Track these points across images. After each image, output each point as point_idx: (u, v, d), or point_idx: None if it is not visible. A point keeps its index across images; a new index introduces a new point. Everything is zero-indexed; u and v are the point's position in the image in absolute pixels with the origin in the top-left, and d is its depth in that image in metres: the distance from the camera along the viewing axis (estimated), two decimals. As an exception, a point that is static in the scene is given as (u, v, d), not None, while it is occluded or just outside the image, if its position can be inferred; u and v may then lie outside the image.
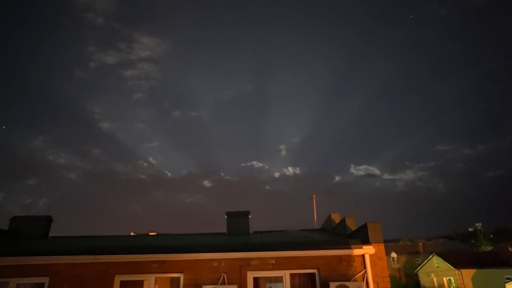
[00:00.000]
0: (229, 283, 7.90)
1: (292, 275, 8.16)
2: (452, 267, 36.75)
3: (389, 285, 7.91)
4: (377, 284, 7.84)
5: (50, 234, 12.36)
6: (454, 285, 36.47)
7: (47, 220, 12.29)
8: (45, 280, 8.09)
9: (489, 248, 58.95)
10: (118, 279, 8.14)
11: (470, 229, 70.44)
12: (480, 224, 70.48)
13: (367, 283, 7.80)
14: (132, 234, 18.88)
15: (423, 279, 44.96)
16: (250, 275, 8.13)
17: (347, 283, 7.51)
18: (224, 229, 12.35)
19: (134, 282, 8.21)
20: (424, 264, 44.93)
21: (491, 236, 66.24)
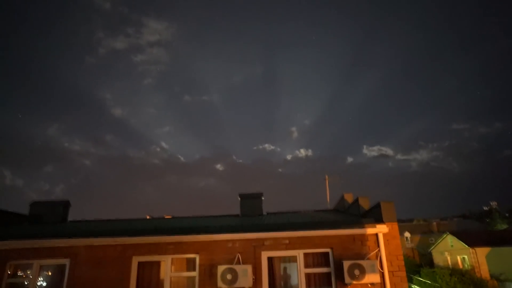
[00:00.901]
0: (243, 263, 8.05)
1: (306, 255, 8.26)
2: (466, 246, 36.61)
3: (402, 262, 7.94)
4: (391, 262, 7.89)
5: (68, 219, 12.74)
6: (468, 263, 36.43)
7: (65, 205, 12.65)
8: (66, 261, 8.39)
9: (505, 226, 58.37)
10: (135, 260, 8.38)
11: (485, 208, 69.81)
12: (496, 203, 69.72)
13: (380, 261, 7.86)
14: (148, 217, 19.27)
15: (436, 258, 45.00)
16: (264, 255, 8.26)
17: (361, 262, 7.57)
18: (237, 212, 12.50)
19: (152, 263, 8.44)
20: (438, 243, 44.84)
21: (507, 214, 65.49)
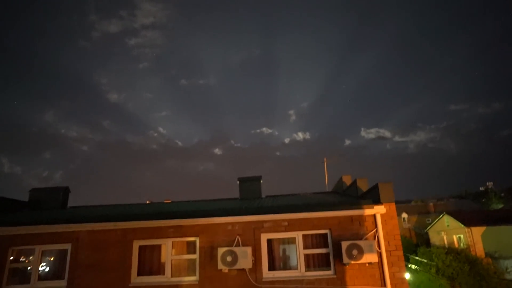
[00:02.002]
0: (243, 245, 8.15)
1: (304, 236, 8.37)
2: (462, 225, 37.17)
3: (399, 242, 8.05)
4: (388, 242, 8.00)
5: (68, 205, 12.80)
6: (464, 242, 37.09)
7: (65, 191, 12.69)
8: (67, 246, 8.49)
9: (500, 206, 59.18)
10: (136, 244, 8.48)
11: (482, 188, 70.56)
12: (492, 183, 70.47)
13: (378, 241, 7.97)
14: (148, 202, 19.39)
15: (433, 237, 45.72)
16: (264, 237, 8.36)
17: (358, 242, 7.68)
18: (237, 195, 12.58)
19: (152, 246, 8.55)
20: (435, 223, 45.49)
21: (502, 194, 66.28)
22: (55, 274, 8.50)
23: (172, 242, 8.53)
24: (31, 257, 8.60)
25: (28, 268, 8.51)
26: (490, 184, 70.59)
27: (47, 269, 8.67)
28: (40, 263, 8.52)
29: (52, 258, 8.80)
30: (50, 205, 12.15)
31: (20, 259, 8.76)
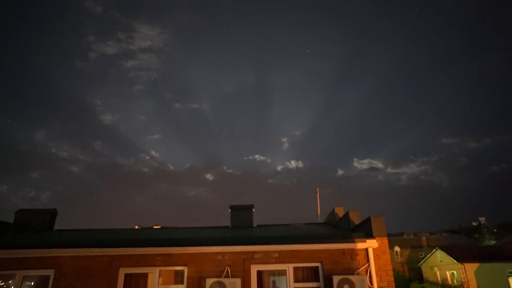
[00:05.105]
0: (232, 276, 7.94)
1: (295, 269, 8.19)
2: (455, 261, 36.75)
3: (392, 278, 7.91)
4: (380, 278, 7.85)
5: (55, 227, 12.49)
6: (457, 279, 36.51)
7: (52, 213, 12.42)
8: (50, 272, 8.18)
9: (493, 242, 58.84)
10: (122, 271, 8.21)
11: (474, 223, 70.44)
12: (484, 219, 70.53)
13: (370, 276, 7.82)
14: (136, 227, 19.01)
15: (426, 272, 45.03)
16: (254, 268, 8.16)
17: (350, 277, 7.52)
18: (227, 223, 12.40)
19: (139, 275, 8.27)
20: (428, 258, 44.96)
21: (495, 230, 66.15)
22: (34, 301, 8.14)
23: (160, 271, 8.28)
24: (10, 282, 8.25)
25: (7, 294, 8.15)
26: (482, 219, 70.62)
27: (27, 295, 8.31)
28: (20, 289, 8.17)
29: (32, 284, 8.46)
30: (36, 227, 11.83)
31: (-1, 284, 8.41)
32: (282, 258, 8.15)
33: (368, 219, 8.39)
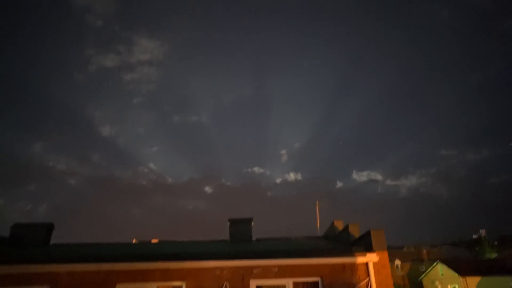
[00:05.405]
0: (231, 292, 7.81)
1: (295, 283, 8.07)
2: (456, 275, 36.34)
3: (393, 293, 7.80)
4: (382, 293, 7.73)
5: (52, 241, 12.31)
6: (459, 293, 36.04)
7: (49, 227, 12.25)
8: (46, 288, 8.02)
9: (494, 255, 58.33)
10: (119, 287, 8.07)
11: (475, 236, 69.92)
12: (484, 231, 69.98)
13: (371, 291, 7.70)
14: (134, 241, 18.79)
15: (427, 286, 44.48)
16: (253, 283, 8.04)
17: (351, 292, 7.41)
18: (226, 236, 12.27)
19: (136, 290, 8.13)
20: (429, 271, 44.49)
21: (496, 243, 65.64)
22: (29, 318, 7.96)
23: (157, 286, 8.14)
24: (5, 299, 8.09)
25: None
26: (483, 231, 70.10)
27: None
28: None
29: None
30: (32, 241, 11.65)
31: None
32: (282, 272, 8.04)
33: (368, 233, 8.31)
